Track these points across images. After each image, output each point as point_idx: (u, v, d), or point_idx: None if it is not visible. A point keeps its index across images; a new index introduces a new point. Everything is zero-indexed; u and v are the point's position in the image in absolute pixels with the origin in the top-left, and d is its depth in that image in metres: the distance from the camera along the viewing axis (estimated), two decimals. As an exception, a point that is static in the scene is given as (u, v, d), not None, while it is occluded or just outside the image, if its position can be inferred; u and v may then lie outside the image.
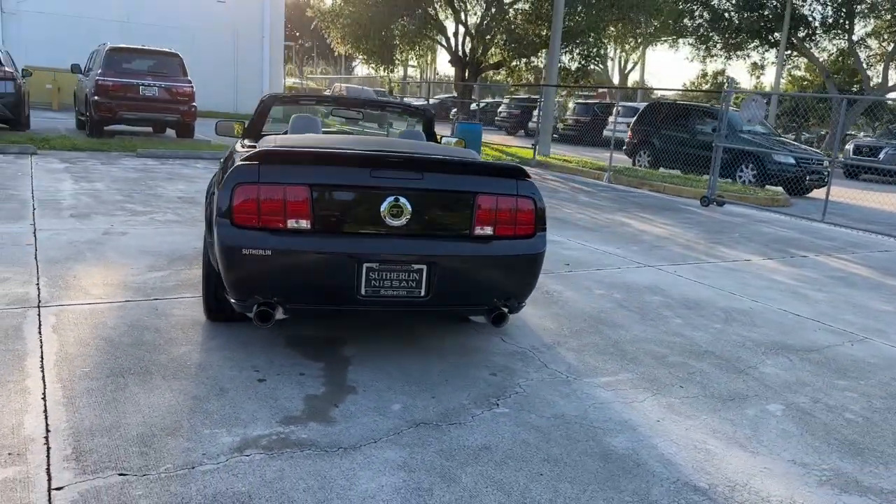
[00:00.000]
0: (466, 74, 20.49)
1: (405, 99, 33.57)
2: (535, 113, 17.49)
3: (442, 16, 20.24)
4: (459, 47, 20.34)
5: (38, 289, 4.35)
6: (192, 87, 14.40)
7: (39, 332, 3.64)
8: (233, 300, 3.32)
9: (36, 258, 5.02)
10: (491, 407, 3.21)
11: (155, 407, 2.95)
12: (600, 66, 34.81)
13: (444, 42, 20.74)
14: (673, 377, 3.75)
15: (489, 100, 36.62)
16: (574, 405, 3.29)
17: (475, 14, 19.57)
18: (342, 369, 3.49)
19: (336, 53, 28.29)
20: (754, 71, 36.54)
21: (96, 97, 13.51)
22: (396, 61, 20.95)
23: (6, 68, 12.75)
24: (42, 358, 3.33)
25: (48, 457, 2.50)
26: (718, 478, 2.74)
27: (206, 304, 3.92)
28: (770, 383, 3.77)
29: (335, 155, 3.33)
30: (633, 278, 5.85)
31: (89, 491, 2.33)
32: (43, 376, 3.14)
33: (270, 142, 3.75)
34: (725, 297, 5.50)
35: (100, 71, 13.69)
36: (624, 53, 38.17)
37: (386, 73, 22.33)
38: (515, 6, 19.70)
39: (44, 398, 2.94)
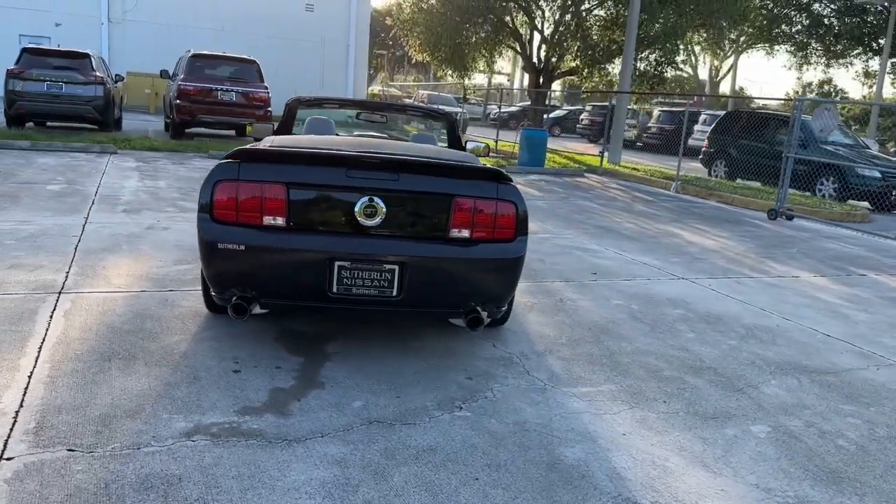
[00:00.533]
0: (541, 81, 20.35)
1: (490, 106, 33.66)
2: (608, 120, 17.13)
3: (517, 22, 20.19)
4: (534, 54, 20.22)
5: (66, 276, 4.66)
6: (267, 92, 14.95)
7: (51, 317, 3.91)
8: (213, 292, 3.46)
9: (76, 249, 5.38)
10: (453, 410, 3.19)
11: (127, 390, 3.10)
12: (685, 71, 33.76)
13: (518, 48, 20.68)
14: (659, 391, 3.61)
15: (572, 107, 36.22)
16: (540, 413, 3.23)
17: (550, 20, 19.41)
18: (319, 365, 3.56)
19: (416, 61, 28.70)
20: (867, 80, 34.42)
21: (178, 100, 14.28)
22: (469, 68, 21.02)
23: (97, 73, 13.66)
24: (44, 340, 3.57)
25: (11, 430, 2.69)
26: (666, 496, 2.63)
27: (204, 296, 4.09)
28: (766, 404, 3.57)
29: (312, 155, 3.41)
30: (660, 290, 5.66)
31: (34, 463, 2.48)
32: (37, 357, 3.37)
33: (269, 142, 3.87)
34: (754, 313, 5.23)
35: (182, 76, 14.48)
36: (713, 60, 36.86)
37: (462, 80, 22.46)
38: (592, 12, 19.42)
39: (30, 376, 3.15)
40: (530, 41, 20.27)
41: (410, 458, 2.73)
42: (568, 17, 19.23)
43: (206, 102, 14.32)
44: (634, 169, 15.97)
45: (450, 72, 21.58)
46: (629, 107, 30.39)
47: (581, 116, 31.62)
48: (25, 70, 13.02)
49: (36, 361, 3.31)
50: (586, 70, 19.36)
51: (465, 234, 3.43)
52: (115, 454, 2.58)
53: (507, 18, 19.99)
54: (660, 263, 6.67)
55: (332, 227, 3.34)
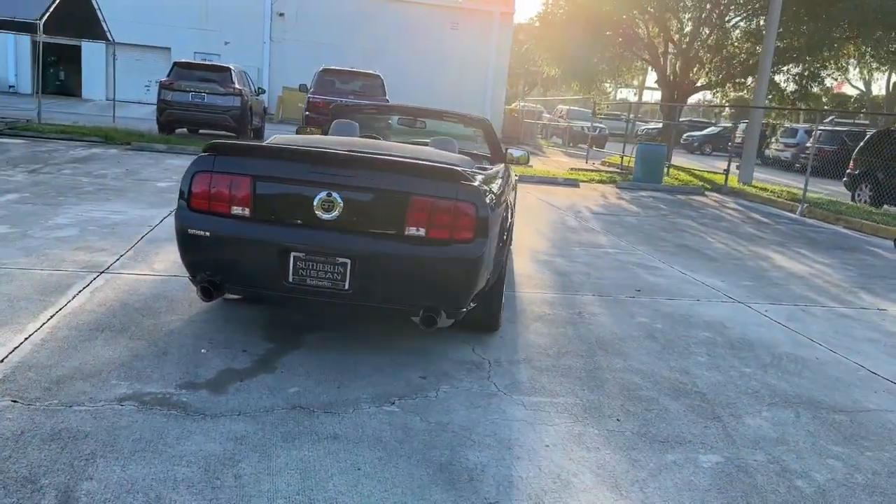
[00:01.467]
0: (675, 96, 19.54)
1: (637, 123, 32.75)
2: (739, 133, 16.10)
3: (651, 33, 19.53)
4: (668, 67, 19.47)
5: (117, 260, 5.18)
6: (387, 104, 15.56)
7: (79, 292, 4.38)
8: (189, 276, 3.73)
9: (143, 237, 5.95)
10: (384, 405, 3.21)
11: (97, 357, 3.43)
12: (856, 87, 30.75)
13: (650, 62, 20.00)
14: (620, 410, 3.40)
15: (726, 124, 34.38)
16: (472, 416, 3.17)
17: (686, 32, 18.60)
18: (284, 352, 3.71)
19: (547, 76, 28.54)
20: None
21: (307, 112, 15.25)
22: (597, 82, 20.59)
23: (235, 85, 14.92)
24: (59, 310, 4.02)
25: (-22, 379, 3.08)
26: (547, 510, 2.50)
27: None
28: (737, 435, 3.25)
29: (278, 150, 3.59)
30: (702, 311, 5.29)
31: (-24, 408, 2.83)
32: (44, 323, 3.80)
33: (272, 139, 4.12)
34: (797, 342, 4.75)
35: (312, 89, 15.46)
36: (890, 73, 33.32)
37: (591, 95, 22.05)
38: (731, 23, 18.37)
39: (26, 339, 3.56)
40: (664, 54, 19.53)
41: (307, 444, 2.80)
42: (706, 29, 18.34)
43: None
44: (763, 189, 14.87)
45: (577, 86, 21.26)
46: (792, 125, 28.33)
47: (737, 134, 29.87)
48: (175, 82, 14.50)
49: (40, 327, 3.74)
50: (723, 85, 18.32)
51: (422, 232, 3.44)
52: (48, 409, 2.87)
53: (640, 31, 19.42)
54: (724, 286, 6.21)
55: (292, 220, 3.49)
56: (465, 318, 4.18)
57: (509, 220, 4.63)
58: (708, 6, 17.67)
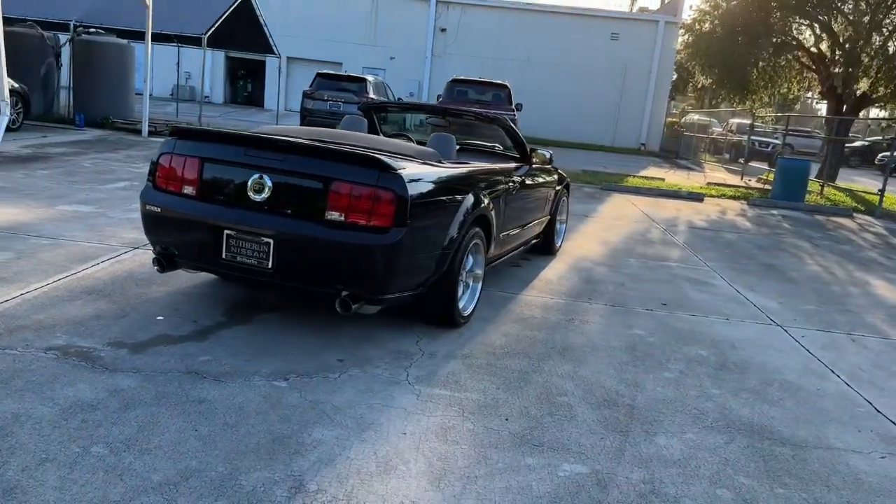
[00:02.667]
0: (844, 108, 17.65)
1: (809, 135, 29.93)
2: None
3: (817, 40, 17.82)
4: (835, 77, 17.64)
5: (159, 239, 5.74)
6: (513, 115, 15.60)
7: (101, 262, 4.92)
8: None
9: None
10: (275, 379, 3.30)
11: (65, 314, 3.86)
12: None
13: (815, 71, 18.23)
14: (518, 411, 3.23)
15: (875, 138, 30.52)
16: (353, 399, 3.17)
17: (856, 39, 16.74)
18: (228, 326, 3.93)
19: (702, 85, 26.89)
20: None
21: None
22: (754, 93, 19.08)
23: (370, 95, 15.75)
24: (71, 275, 4.56)
25: (-47, 321, 3.60)
26: (337, 486, 2.46)
27: None
28: (631, 452, 2.97)
29: (223, 134, 3.82)
30: (720, 330, 4.82)
31: (-71, 343, 3.33)
32: (47, 284, 4.33)
33: (255, 130, 4.40)
34: (808, 371, 4.19)
35: (440, 99, 15.91)
36: None
37: (746, 106, 20.48)
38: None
39: (21, 294, 4.10)
40: (831, 62, 17.72)
41: (170, 404, 2.97)
42: (878, 38, 16.41)
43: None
44: (929, 214, 13.00)
45: (730, 95, 19.88)
46: None
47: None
48: (315, 91, 15.62)
49: (41, 287, 4.27)
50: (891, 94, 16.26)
51: (340, 217, 3.51)
52: (-17, 349, 3.31)
53: (803, 38, 17.77)
54: (777, 307, 5.59)
55: (228, 200, 3.71)
56: (423, 310, 4.20)
57: (493, 219, 4.53)
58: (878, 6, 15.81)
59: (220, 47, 19.73)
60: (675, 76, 31.35)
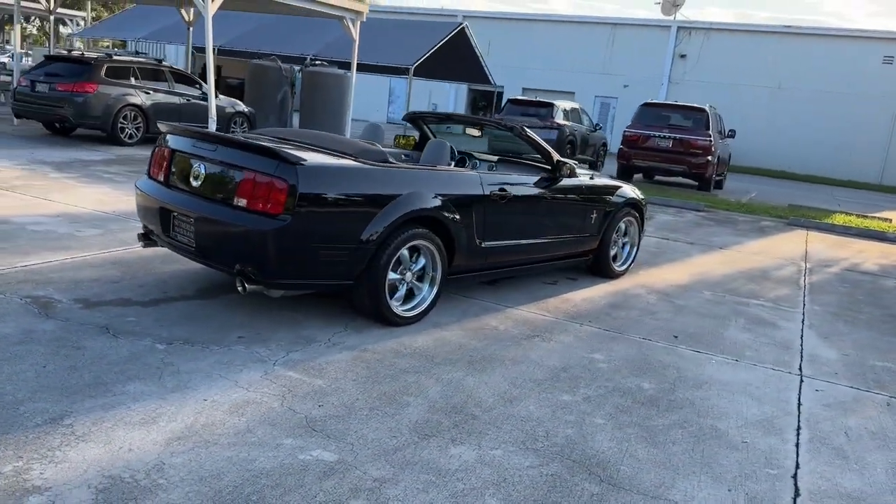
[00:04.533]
0: None
1: None
2: None
3: None
4: None
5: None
6: (709, 140, 14.54)
7: (127, 244, 5.78)
8: None
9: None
10: (158, 343, 3.69)
11: (77, 276, 4.65)
12: None
13: None
14: (342, 404, 3.22)
15: None
16: (189, 366, 3.42)
17: None
18: (188, 300, 4.43)
19: None
20: None
21: (621, 146, 15.28)
22: None
23: (556, 120, 15.74)
24: (116, 250, 5.45)
25: (-10, 271, 4.58)
26: (87, 424, 2.75)
27: None
28: (412, 455, 2.82)
29: (184, 129, 4.33)
30: (705, 370, 4.19)
31: (-46, 283, 4.29)
32: (89, 255, 5.24)
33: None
34: (769, 423, 3.50)
35: (630, 123, 15.37)
36: None
37: None
38: None
39: (60, 260, 5.02)
40: None
41: (57, 347, 3.48)
42: None
43: (642, 148, 14.90)
44: None
45: None
46: None
47: None
48: (504, 117, 16.02)
49: (87, 255, 5.18)
50: None
51: (244, 202, 3.82)
52: (-16, 292, 4.18)
53: None
54: (831, 358, 4.66)
55: (180, 185, 4.22)
56: (352, 302, 4.33)
57: (452, 223, 4.46)
58: None
59: (440, 78, 21.13)
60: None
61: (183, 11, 16.85)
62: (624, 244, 6.44)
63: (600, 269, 6.16)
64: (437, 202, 4.38)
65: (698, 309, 5.56)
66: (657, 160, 14.82)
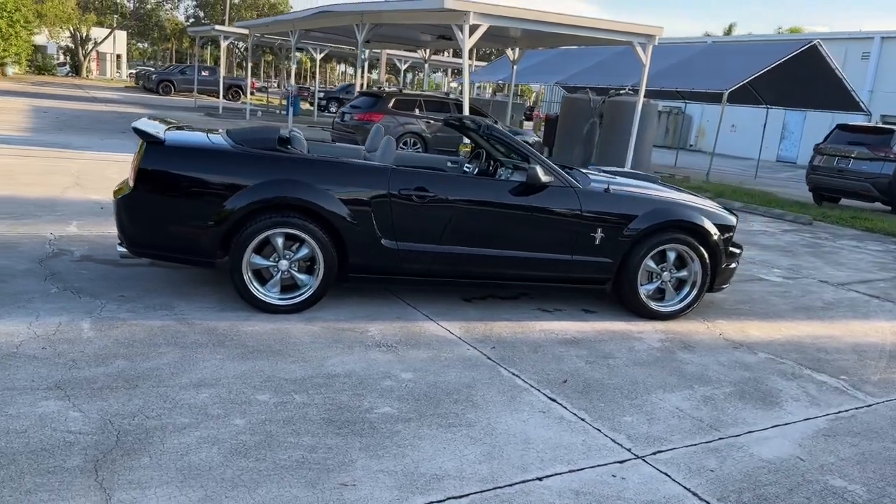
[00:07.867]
0: None
1: None
2: None
3: None
4: None
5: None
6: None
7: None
8: None
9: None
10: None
11: (63, 247, 5.83)
12: None
13: None
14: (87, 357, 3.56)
15: None
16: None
17: None
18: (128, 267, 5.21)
19: None
20: None
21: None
22: None
23: (894, 150, 12.49)
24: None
25: None
26: None
27: None
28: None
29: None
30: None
31: None
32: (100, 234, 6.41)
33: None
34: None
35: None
36: None
37: None
38: None
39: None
40: None
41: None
42: None
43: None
44: None
45: None
46: None
47: None
48: (824, 146, 13.34)
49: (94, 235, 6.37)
50: None
51: (132, 182, 4.40)
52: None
53: None
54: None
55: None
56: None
57: (336, 218, 4.36)
58: None
59: (786, 105, 18.52)
60: None
61: (509, 51, 18.32)
62: (676, 280, 5.14)
63: (625, 301, 5.03)
64: (316, 194, 4.30)
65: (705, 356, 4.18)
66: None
